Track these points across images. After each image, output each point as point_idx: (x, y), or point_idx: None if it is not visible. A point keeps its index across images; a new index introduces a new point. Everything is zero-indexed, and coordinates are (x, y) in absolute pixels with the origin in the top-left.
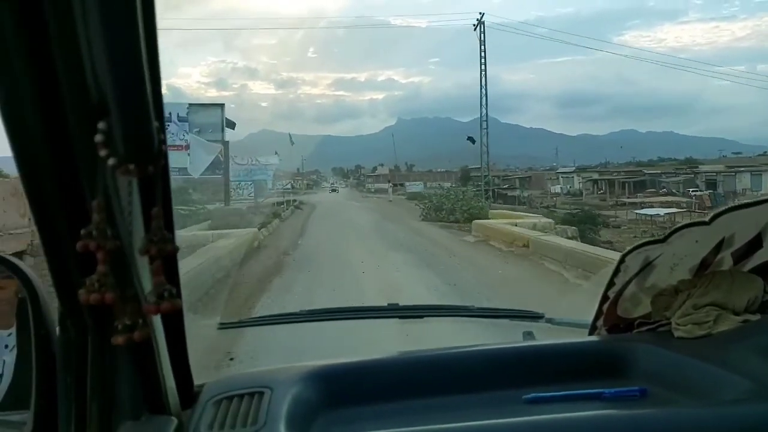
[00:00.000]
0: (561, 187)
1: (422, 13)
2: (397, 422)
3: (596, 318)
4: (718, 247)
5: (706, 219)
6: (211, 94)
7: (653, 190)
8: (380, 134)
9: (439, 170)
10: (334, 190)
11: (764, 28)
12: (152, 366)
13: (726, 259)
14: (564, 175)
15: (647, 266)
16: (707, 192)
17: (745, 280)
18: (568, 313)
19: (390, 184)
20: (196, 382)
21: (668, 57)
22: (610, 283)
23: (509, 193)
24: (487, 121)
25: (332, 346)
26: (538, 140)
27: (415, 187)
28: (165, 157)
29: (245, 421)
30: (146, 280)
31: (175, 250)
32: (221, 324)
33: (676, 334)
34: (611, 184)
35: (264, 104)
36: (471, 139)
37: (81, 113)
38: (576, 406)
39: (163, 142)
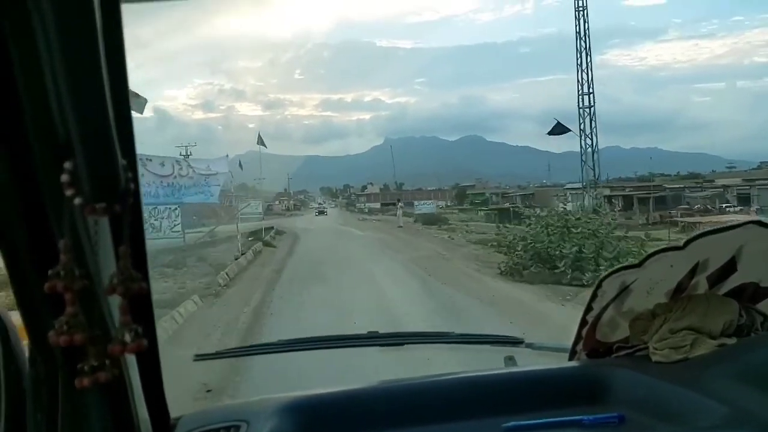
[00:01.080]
0: (572, 205)
1: (407, 35)
2: None
3: (575, 342)
4: (693, 271)
5: (680, 244)
6: (198, 116)
7: (686, 206)
8: (368, 153)
9: (429, 188)
10: (321, 212)
11: (742, 45)
12: (125, 402)
13: (701, 282)
14: (572, 191)
15: (624, 291)
16: (754, 208)
17: (721, 304)
18: None
19: (399, 204)
20: (173, 414)
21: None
22: (588, 308)
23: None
24: (592, 103)
25: (311, 376)
26: (525, 158)
27: (425, 207)
28: (136, 194)
29: None
30: (117, 319)
31: (143, 288)
32: (197, 356)
33: (654, 358)
34: (628, 201)
35: (251, 125)
36: (560, 128)
37: (47, 153)
38: None
39: (131, 180)
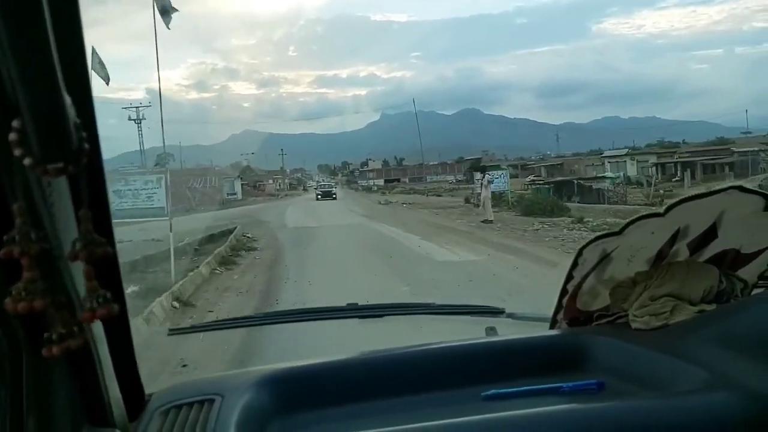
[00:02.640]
0: (617, 175)
1: (402, 9)
2: (353, 425)
3: (556, 311)
4: (674, 238)
5: (661, 210)
6: (192, 96)
7: None
8: (364, 130)
9: (432, 163)
10: (327, 194)
11: (740, 11)
12: (93, 377)
13: (682, 249)
14: (611, 160)
15: (605, 258)
16: None
17: (701, 271)
18: None
19: (486, 177)
20: (148, 391)
21: (647, 43)
22: (569, 277)
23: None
24: None
25: (289, 348)
26: (523, 130)
27: (499, 181)
28: (96, 155)
29: (193, 431)
30: (83, 286)
31: (108, 253)
32: (171, 330)
33: (634, 325)
34: (689, 168)
35: (246, 104)
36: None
37: None
38: (534, 401)
39: (86, 139)
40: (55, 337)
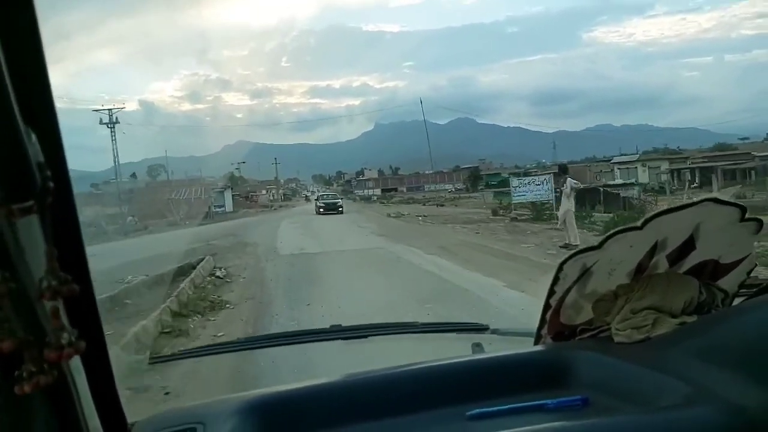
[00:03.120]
0: (634, 182)
1: (394, 19)
2: None
3: (540, 327)
4: (653, 251)
5: (638, 224)
6: (185, 108)
7: None
8: (358, 140)
9: (427, 172)
10: (331, 207)
11: (728, 18)
12: (71, 408)
13: (661, 261)
14: (621, 166)
15: (585, 273)
16: None
17: (681, 282)
18: None
19: (567, 184)
20: (131, 420)
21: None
22: (551, 292)
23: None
24: None
25: (272, 373)
26: (516, 138)
27: (542, 188)
28: (65, 193)
29: None
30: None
31: (73, 291)
32: (152, 358)
33: (616, 339)
34: (707, 174)
35: (239, 115)
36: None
37: None
38: (519, 419)
39: (49, 178)
40: (25, 375)
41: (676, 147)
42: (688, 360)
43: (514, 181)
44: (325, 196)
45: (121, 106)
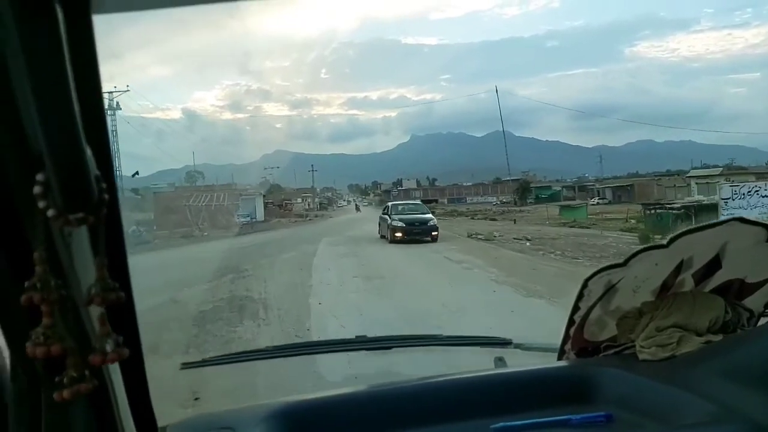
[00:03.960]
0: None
1: (432, 32)
2: None
3: (564, 342)
4: (678, 269)
5: (664, 242)
6: (226, 117)
7: None
8: (394, 151)
9: (466, 183)
10: (412, 229)
11: None
12: (109, 413)
13: (687, 280)
14: (700, 181)
15: (610, 290)
16: None
17: (707, 301)
18: None
19: None
20: (161, 424)
21: (681, 66)
22: (575, 308)
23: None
24: None
25: (299, 381)
26: (555, 153)
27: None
28: (114, 204)
29: None
30: (96, 330)
31: (120, 298)
32: (184, 364)
33: (641, 356)
34: None
35: (278, 125)
36: None
37: (19, 165)
38: None
39: (105, 191)
40: (66, 381)
41: (728, 163)
42: (713, 379)
43: (726, 190)
44: (403, 207)
45: (126, 89)
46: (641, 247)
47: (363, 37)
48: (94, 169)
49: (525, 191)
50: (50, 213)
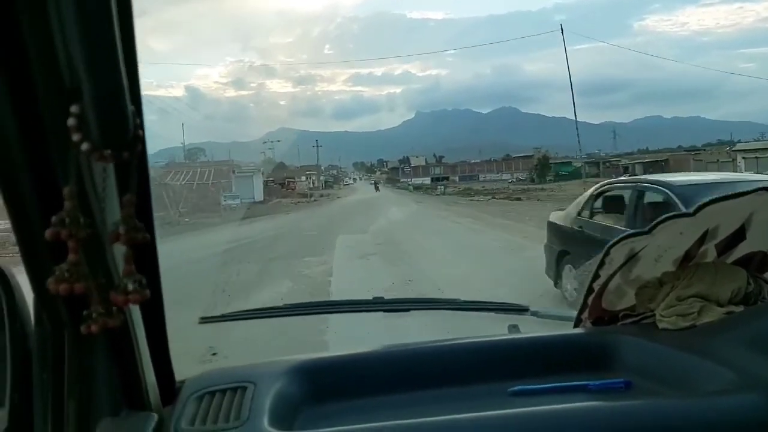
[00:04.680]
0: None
1: (438, 6)
2: (381, 416)
3: (581, 310)
4: (702, 239)
5: (691, 210)
6: (230, 94)
7: None
8: (399, 128)
9: (473, 161)
10: None
11: None
12: (131, 361)
13: (710, 250)
14: (749, 155)
15: (632, 258)
16: None
17: (729, 272)
18: None
19: None
20: (178, 377)
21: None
22: (595, 276)
23: None
24: None
25: (316, 340)
26: (561, 129)
27: None
28: (142, 142)
29: (228, 417)
30: (121, 269)
31: (146, 239)
32: (202, 318)
33: (661, 325)
34: None
35: (282, 102)
36: None
37: (53, 96)
38: (561, 398)
39: (139, 127)
40: (94, 316)
41: (738, 140)
42: (734, 347)
43: None
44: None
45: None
46: (667, 215)
47: (368, 11)
48: (129, 103)
49: (544, 168)
50: (84, 147)
